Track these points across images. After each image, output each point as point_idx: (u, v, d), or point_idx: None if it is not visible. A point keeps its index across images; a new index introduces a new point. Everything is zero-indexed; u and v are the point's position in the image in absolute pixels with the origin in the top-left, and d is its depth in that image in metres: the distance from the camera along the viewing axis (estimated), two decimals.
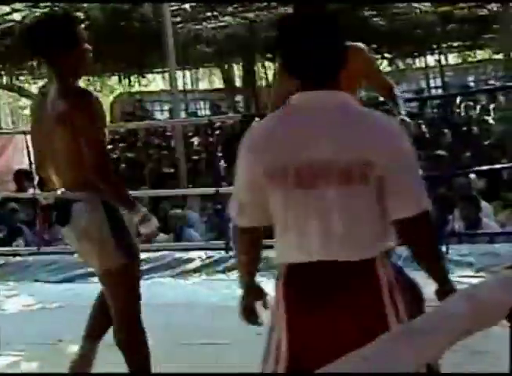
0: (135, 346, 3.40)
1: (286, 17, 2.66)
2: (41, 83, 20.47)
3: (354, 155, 2.16)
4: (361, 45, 3.98)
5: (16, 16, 12.67)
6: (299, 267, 2.25)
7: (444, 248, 5.60)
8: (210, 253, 6.42)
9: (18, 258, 6.93)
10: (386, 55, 20.36)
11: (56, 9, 10.95)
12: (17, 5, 11.37)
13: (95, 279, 5.99)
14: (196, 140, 15.07)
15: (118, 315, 3.38)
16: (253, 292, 2.56)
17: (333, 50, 2.25)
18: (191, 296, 5.54)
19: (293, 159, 2.21)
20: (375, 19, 14.93)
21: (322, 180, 2.18)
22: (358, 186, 2.17)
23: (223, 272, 6.08)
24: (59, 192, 3.41)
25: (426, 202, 2.23)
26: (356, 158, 2.16)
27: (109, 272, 3.31)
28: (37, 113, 3.46)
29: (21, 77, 17.48)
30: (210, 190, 7.17)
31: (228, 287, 5.68)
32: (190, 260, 6.32)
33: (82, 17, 12.21)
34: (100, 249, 3.28)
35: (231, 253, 6.29)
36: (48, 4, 11.44)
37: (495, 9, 13.77)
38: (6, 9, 12.07)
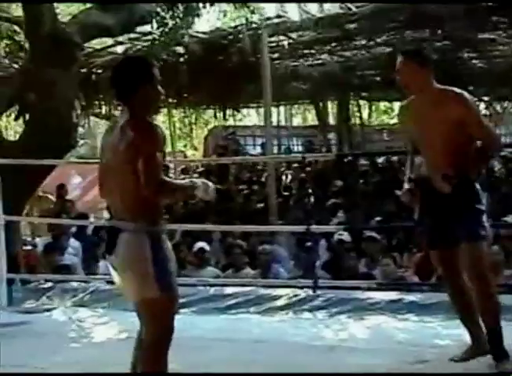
0: None
1: None
2: None
3: None
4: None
5: (119, 49, 13.01)
6: None
7: None
8: (297, 291, 6.37)
9: (108, 286, 7.00)
10: (483, 97, 20.08)
11: (156, 42, 11.15)
12: (120, 38, 11.65)
13: (182, 311, 6.03)
14: (287, 176, 15.10)
15: (146, 343, 3.53)
16: None
17: None
18: (276, 334, 5.49)
19: None
20: (474, 60, 14.75)
21: None
22: None
23: (310, 311, 6.02)
24: (111, 221, 3.63)
25: None
26: None
27: (146, 302, 3.48)
28: (104, 143, 3.68)
29: (119, 107, 17.87)
30: (301, 228, 7.13)
31: (314, 326, 5.63)
32: (277, 297, 6.27)
33: (182, 51, 12.47)
34: (141, 279, 3.43)
35: (318, 292, 6.24)
36: (149, 37, 11.67)
37: None
38: (109, 41, 12.40)
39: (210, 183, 3.66)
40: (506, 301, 5.39)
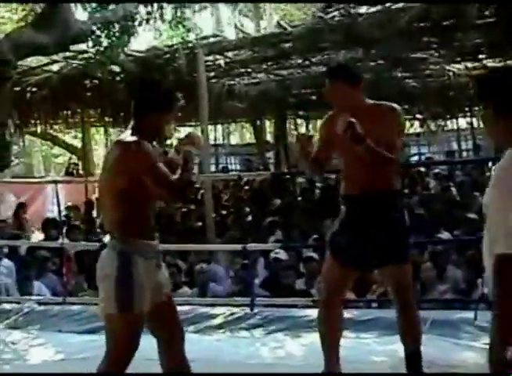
0: None
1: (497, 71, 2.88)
2: (73, 132, 20.69)
3: None
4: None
5: (54, 67, 12.88)
6: None
7: (472, 314, 5.50)
8: (234, 309, 6.37)
9: (42, 307, 6.91)
10: (418, 116, 20.40)
11: (92, 61, 11.09)
12: (55, 57, 11.55)
13: None
14: (225, 194, 15.10)
15: (106, 358, 3.63)
16: None
17: None
18: (214, 353, 5.47)
19: None
20: (408, 80, 14.99)
21: None
22: None
23: (247, 329, 6.02)
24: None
25: None
26: None
27: (106, 317, 3.62)
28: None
29: (55, 126, 17.70)
30: (238, 247, 7.14)
31: (252, 345, 5.63)
32: (214, 316, 6.26)
33: (118, 70, 12.41)
34: (104, 295, 3.58)
35: (255, 310, 6.24)
36: (85, 56, 11.61)
37: None
38: (44, 60, 12.28)
39: (195, 133, 3.98)
40: (440, 317, 5.48)
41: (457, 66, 13.84)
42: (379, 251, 4.19)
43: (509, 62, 11.82)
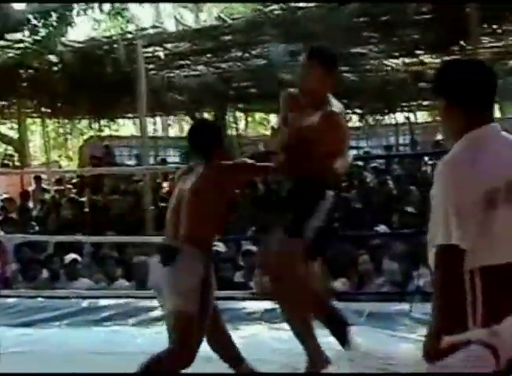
0: None
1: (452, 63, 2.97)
2: (8, 123, 20.28)
3: None
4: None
5: None
6: (499, 267, 2.48)
7: (407, 306, 5.58)
8: None
9: None
10: (356, 110, 20.59)
11: (28, 50, 10.92)
12: None
13: (55, 324, 5.92)
14: (164, 187, 15.01)
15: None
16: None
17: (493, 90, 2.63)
18: (153, 345, 5.44)
19: (503, 177, 2.49)
20: (347, 74, 15.10)
21: None
22: None
23: None
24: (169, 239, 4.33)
25: None
26: None
27: (173, 314, 4.00)
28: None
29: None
30: None
31: None
32: (152, 308, 6.23)
33: (56, 60, 12.24)
34: (172, 293, 3.96)
35: None
36: (21, 45, 11.43)
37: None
38: None
39: None
40: (376, 309, 5.54)
41: (396, 61, 13.99)
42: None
43: (446, 58, 12.00)
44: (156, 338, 5.64)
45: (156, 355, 4.05)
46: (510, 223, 2.52)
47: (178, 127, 30.41)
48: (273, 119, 25.83)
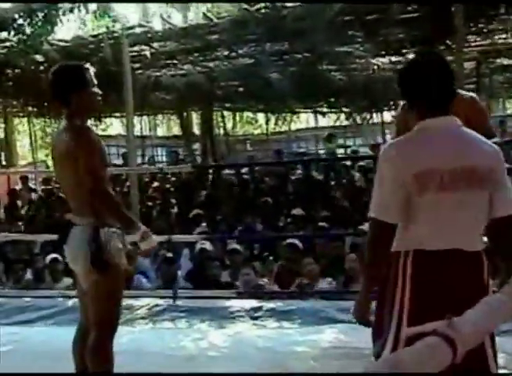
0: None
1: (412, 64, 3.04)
2: None
3: (486, 163, 2.75)
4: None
5: None
6: (430, 253, 2.73)
7: None
8: (157, 301, 6.35)
9: None
10: (343, 109, 20.62)
11: (14, 49, 10.88)
12: None
13: (38, 324, 5.90)
14: (151, 186, 15.00)
15: (94, 324, 3.92)
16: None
17: (451, 85, 2.84)
18: (137, 344, 5.45)
19: (442, 165, 2.70)
20: (334, 73, 15.11)
21: (464, 183, 2.71)
22: (485, 189, 2.75)
23: (170, 320, 6.01)
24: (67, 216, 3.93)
25: None
26: (487, 166, 2.74)
27: (90, 285, 3.81)
28: (52, 147, 4.10)
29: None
30: (162, 238, 7.10)
31: (175, 336, 5.62)
32: (137, 307, 6.23)
33: (41, 60, 12.20)
34: (82, 267, 3.78)
35: (178, 302, 6.24)
36: (7, 44, 11.38)
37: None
38: None
39: (152, 236, 3.84)
40: None
41: (382, 60, 14.01)
42: None
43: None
44: (139, 337, 5.65)
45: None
46: (451, 210, 2.72)
47: (166, 126, 30.40)
48: (261, 118, 25.87)
